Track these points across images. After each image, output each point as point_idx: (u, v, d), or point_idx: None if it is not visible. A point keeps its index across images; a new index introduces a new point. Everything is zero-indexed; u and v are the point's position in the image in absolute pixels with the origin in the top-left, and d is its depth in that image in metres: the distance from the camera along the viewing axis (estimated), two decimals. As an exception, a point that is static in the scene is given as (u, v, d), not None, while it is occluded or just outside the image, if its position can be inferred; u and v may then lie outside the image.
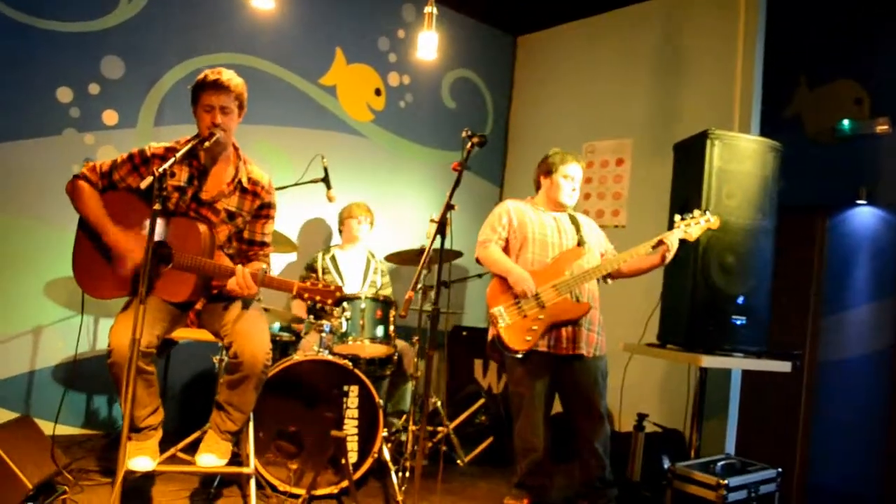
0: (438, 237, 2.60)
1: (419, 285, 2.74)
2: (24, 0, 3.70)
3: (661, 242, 3.32)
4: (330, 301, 2.68)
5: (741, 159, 3.76)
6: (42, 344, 3.83)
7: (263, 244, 3.04)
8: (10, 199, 3.72)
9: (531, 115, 5.84)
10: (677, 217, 3.42)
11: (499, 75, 5.91)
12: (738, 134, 3.92)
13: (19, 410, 3.69)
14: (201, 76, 2.83)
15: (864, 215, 4.86)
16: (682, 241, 3.40)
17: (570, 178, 3.51)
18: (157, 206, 2.21)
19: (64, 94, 3.85)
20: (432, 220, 2.63)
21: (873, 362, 4.72)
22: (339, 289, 2.71)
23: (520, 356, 3.27)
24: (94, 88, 3.93)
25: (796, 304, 5.00)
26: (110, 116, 3.99)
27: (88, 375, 3.91)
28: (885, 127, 4.74)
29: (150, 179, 2.24)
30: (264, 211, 3.01)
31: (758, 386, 4.75)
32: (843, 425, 4.78)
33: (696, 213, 3.41)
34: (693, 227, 3.39)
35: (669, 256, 3.35)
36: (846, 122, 4.89)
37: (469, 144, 2.76)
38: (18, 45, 3.70)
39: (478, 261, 3.49)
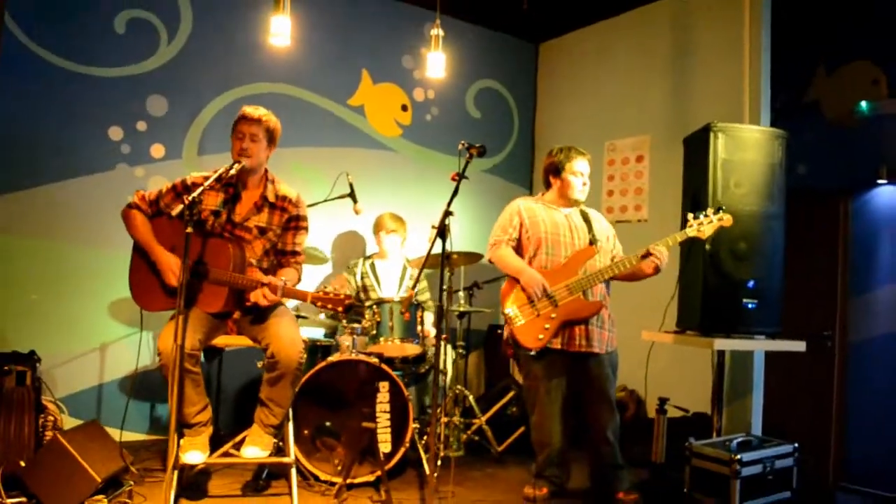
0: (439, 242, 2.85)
1: (444, 287, 2.96)
2: (76, 51, 4.13)
3: (647, 253, 3.38)
4: (340, 308, 2.97)
5: (746, 149, 3.91)
6: (108, 359, 4.24)
7: (295, 253, 3.35)
8: (73, 231, 4.15)
9: (555, 119, 6.05)
10: (690, 216, 3.48)
11: (522, 83, 6.15)
12: (740, 125, 4.07)
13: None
14: (241, 110, 3.18)
15: (886, 195, 4.91)
16: (695, 239, 3.47)
17: (579, 174, 3.62)
18: (188, 230, 2.54)
19: (115, 133, 4.27)
20: (433, 227, 2.88)
21: (904, 340, 4.77)
22: (348, 296, 3.00)
23: (533, 354, 3.43)
24: (141, 126, 4.34)
25: (824, 287, 5.07)
26: (157, 150, 4.39)
27: (151, 386, 4.29)
28: (904, 106, 4.79)
29: (180, 207, 2.58)
30: (293, 223, 3.33)
31: (790, 368, 4.85)
32: (876, 403, 4.83)
33: (710, 211, 3.45)
34: (706, 225, 3.42)
35: (662, 264, 3.41)
36: (864, 103, 4.94)
37: (467, 155, 3.00)
38: (73, 92, 4.13)
39: (490, 262, 3.67)
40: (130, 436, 4.06)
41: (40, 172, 4.06)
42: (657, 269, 3.45)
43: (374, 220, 4.72)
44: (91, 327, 4.20)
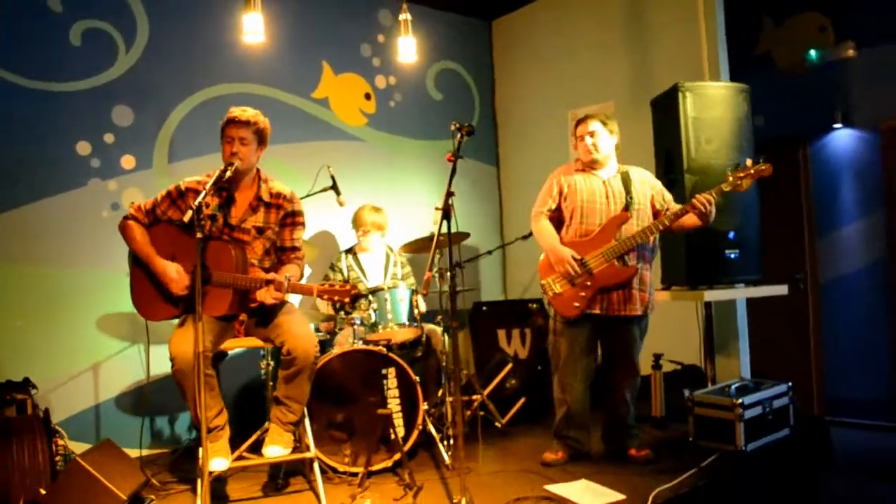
0: (444, 222, 2.89)
1: (435, 268, 3.04)
2: (33, 67, 4.00)
3: (689, 208, 3.37)
4: (347, 299, 3.00)
5: (713, 106, 4.04)
6: (101, 377, 4.17)
7: (294, 248, 3.37)
8: (51, 252, 4.04)
9: (516, 94, 6.11)
10: (728, 171, 3.45)
11: (479, 61, 6.19)
12: (707, 83, 4.20)
13: (90, 441, 4.02)
14: (228, 112, 3.16)
15: (842, 138, 5.13)
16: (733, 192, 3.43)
17: (585, 135, 3.60)
18: (199, 235, 2.53)
19: (83, 148, 4.17)
20: (436, 209, 2.92)
21: (870, 274, 5.00)
22: (354, 287, 3.05)
23: (572, 321, 3.53)
24: (109, 138, 4.25)
25: (791, 231, 5.29)
26: (128, 161, 4.31)
27: (150, 399, 4.23)
28: (851, 51, 5.00)
29: (189, 213, 2.56)
30: (289, 219, 3.34)
31: (768, 313, 5.04)
32: (852, 337, 5.07)
33: (749, 162, 3.40)
34: (745, 179, 3.36)
35: (710, 211, 3.35)
36: (813, 51, 5.14)
37: (459, 136, 3.04)
38: (34, 110, 4.00)
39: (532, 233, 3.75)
40: (134, 452, 4.00)
41: (11, 196, 3.94)
42: (704, 219, 3.41)
43: (353, 215, 4.71)
44: (81, 348, 4.12)
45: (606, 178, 3.62)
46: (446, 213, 2.89)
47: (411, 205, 5.51)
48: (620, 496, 3.04)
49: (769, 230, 4.92)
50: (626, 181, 3.60)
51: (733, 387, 3.81)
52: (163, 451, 4.28)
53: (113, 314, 4.17)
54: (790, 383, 3.89)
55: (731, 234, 3.96)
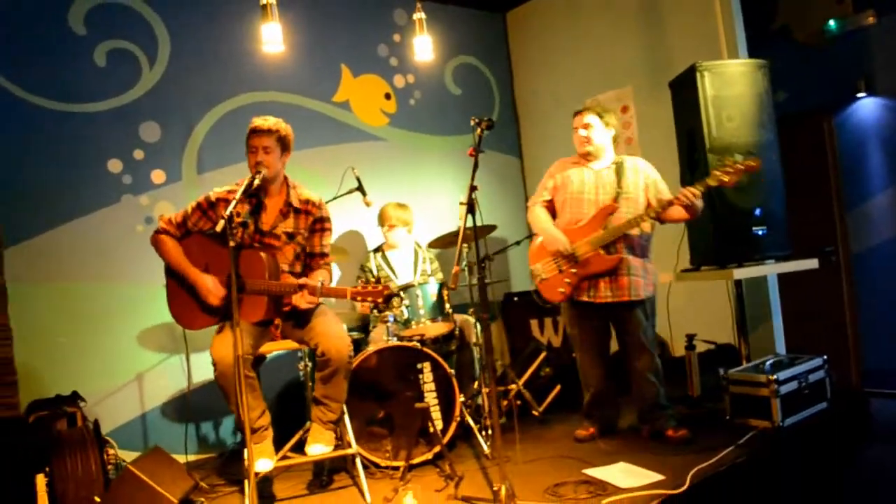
0: (469, 217, 2.94)
1: (464, 261, 3.10)
2: (62, 91, 4.12)
3: (670, 203, 3.45)
4: (380, 299, 3.06)
5: (732, 83, 4.03)
6: (145, 387, 4.29)
7: (323, 255, 3.45)
8: (89, 269, 4.16)
9: (534, 84, 6.13)
10: (716, 164, 3.51)
11: (496, 53, 6.21)
12: (724, 61, 4.19)
13: (138, 449, 4.14)
14: (251, 123, 3.24)
15: (866, 107, 5.07)
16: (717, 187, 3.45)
17: (578, 128, 3.73)
18: (232, 243, 2.61)
19: (114, 166, 4.28)
20: (461, 203, 2.96)
21: (902, 243, 4.94)
22: (386, 287, 3.10)
23: (563, 305, 3.76)
24: (138, 154, 4.36)
25: (820, 205, 5.24)
26: (158, 176, 4.42)
27: (194, 406, 4.35)
28: (871, 19, 4.93)
29: (222, 223, 2.64)
30: (318, 225, 3.41)
31: (802, 288, 5.00)
32: (887, 308, 5.01)
33: (738, 156, 3.49)
34: (730, 175, 3.35)
35: (695, 204, 3.40)
36: (832, 21, 5.08)
37: (479, 130, 3.08)
38: (66, 131, 4.12)
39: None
40: (181, 457, 4.11)
41: (48, 217, 4.06)
42: (691, 212, 3.47)
43: (378, 213, 4.77)
44: (124, 359, 4.24)
45: (599, 170, 3.72)
46: (471, 206, 2.94)
47: (436, 200, 5.56)
48: (660, 476, 3.07)
49: (798, 205, 4.89)
50: (618, 171, 3.68)
51: (768, 363, 3.81)
52: (210, 456, 4.39)
53: (153, 325, 4.29)
54: (825, 357, 3.88)
55: (758, 211, 3.95)
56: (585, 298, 3.63)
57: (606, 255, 3.57)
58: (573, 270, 3.62)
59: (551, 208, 3.84)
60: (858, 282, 5.16)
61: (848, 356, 5.16)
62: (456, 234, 3.99)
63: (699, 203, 3.45)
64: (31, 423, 3.36)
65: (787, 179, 4.15)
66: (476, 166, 2.99)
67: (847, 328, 5.18)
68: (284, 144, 3.27)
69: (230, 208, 2.66)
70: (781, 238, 4.05)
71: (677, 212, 3.53)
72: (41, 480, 3.01)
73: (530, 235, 5.67)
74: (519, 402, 4.36)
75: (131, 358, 4.26)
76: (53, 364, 4.00)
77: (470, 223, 2.98)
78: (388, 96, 5.46)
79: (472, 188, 2.95)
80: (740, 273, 3.95)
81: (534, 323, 5.38)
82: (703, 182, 3.44)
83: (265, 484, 3.58)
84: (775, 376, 3.56)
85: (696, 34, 4.79)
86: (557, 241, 3.63)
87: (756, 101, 4.05)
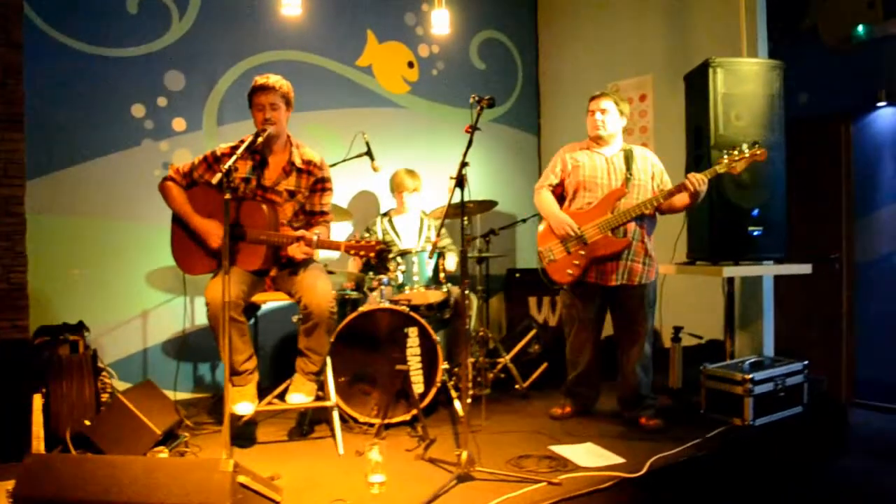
0: (458, 191, 3.03)
1: (465, 234, 3.21)
2: (94, 34, 4.29)
3: (682, 186, 3.52)
4: (372, 254, 3.19)
5: (744, 82, 4.05)
6: (150, 324, 4.49)
7: (323, 213, 3.59)
8: (107, 206, 4.36)
9: (558, 64, 6.15)
10: (724, 151, 3.57)
11: (523, 30, 6.23)
12: (738, 59, 4.18)
13: (137, 382, 4.34)
14: (253, 82, 3.34)
15: (886, 117, 5.02)
16: (726, 174, 3.59)
17: (593, 111, 3.78)
18: (227, 196, 2.74)
19: (138, 110, 4.44)
20: (451, 178, 3.06)
21: (909, 257, 4.93)
22: (379, 242, 3.23)
23: (565, 287, 3.78)
24: (162, 101, 4.51)
25: (830, 210, 5.23)
26: (179, 124, 4.58)
27: (194, 347, 4.56)
28: (900, 28, 4.87)
29: (219, 176, 2.78)
30: (319, 185, 3.55)
31: (802, 292, 5.03)
32: (885, 320, 5.01)
33: (745, 146, 3.52)
34: (738, 161, 3.50)
35: (701, 191, 3.50)
36: (860, 27, 5.02)
37: (478, 108, 3.16)
38: (95, 74, 4.30)
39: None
40: (177, 395, 4.31)
41: (72, 153, 4.26)
42: (693, 198, 3.55)
43: (390, 179, 4.88)
44: (132, 296, 4.45)
45: (610, 156, 3.77)
46: (460, 182, 3.02)
47: (448, 170, 5.61)
48: (620, 460, 3.17)
49: (807, 208, 4.91)
50: (628, 158, 3.75)
51: (747, 363, 3.88)
52: (204, 396, 4.61)
53: (161, 267, 4.47)
54: (806, 362, 3.93)
55: (755, 212, 3.98)
56: (592, 279, 3.70)
57: (615, 239, 3.64)
58: (582, 252, 3.68)
59: (557, 192, 3.90)
60: (859, 291, 5.15)
61: (840, 364, 5.18)
62: (457, 206, 4.09)
63: (704, 190, 3.53)
64: (36, 345, 3.57)
65: (798, 182, 4.17)
66: (470, 143, 3.07)
67: (843, 336, 5.20)
68: (288, 101, 3.40)
69: (229, 163, 2.78)
70: (778, 240, 4.08)
71: (681, 199, 3.61)
72: (38, 400, 3.19)
73: (537, 215, 5.80)
74: (504, 376, 4.49)
75: (138, 295, 4.47)
76: (64, 293, 4.23)
77: (458, 198, 3.06)
78: (410, 65, 5.53)
79: (463, 164, 3.04)
80: (731, 271, 4.01)
81: (532, 301, 5.49)
82: (711, 170, 3.53)
83: (249, 427, 3.76)
84: (751, 376, 3.63)
85: (719, 29, 4.78)
86: (564, 225, 3.70)
87: (767, 101, 4.06)
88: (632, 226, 3.66)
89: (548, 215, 3.82)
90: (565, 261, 3.74)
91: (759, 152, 3.50)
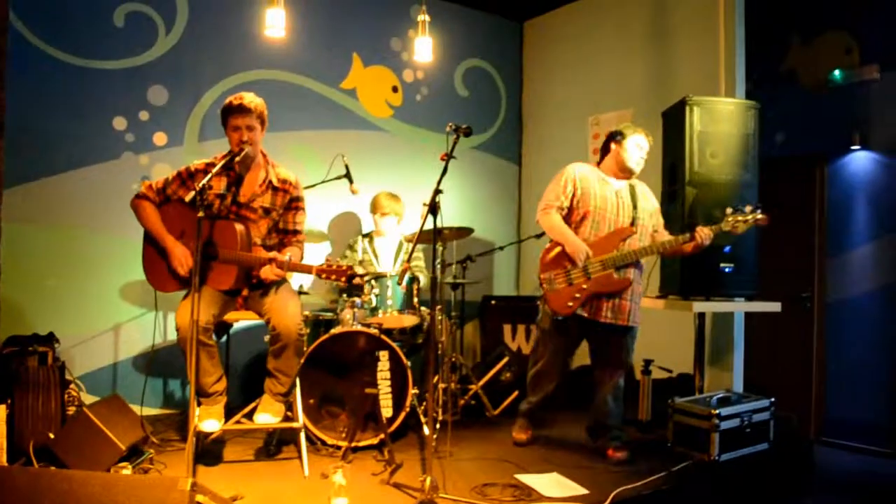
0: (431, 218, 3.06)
1: (437, 261, 3.24)
2: (79, 46, 4.30)
3: (692, 237, 3.57)
4: (343, 279, 3.20)
5: (720, 121, 4.13)
6: (121, 338, 4.47)
7: (296, 232, 3.61)
8: (84, 218, 4.35)
9: (541, 96, 6.24)
10: (729, 210, 3.63)
11: (508, 61, 6.33)
12: (716, 98, 4.27)
13: (105, 396, 4.32)
14: (227, 102, 3.38)
15: (859, 160, 5.13)
16: (727, 233, 3.64)
17: (640, 147, 3.77)
18: (200, 214, 2.75)
19: (119, 123, 4.45)
20: (424, 204, 3.09)
21: (879, 297, 5.00)
22: (350, 268, 3.23)
23: (560, 318, 3.72)
24: (144, 115, 4.53)
25: (803, 250, 5.32)
26: (160, 138, 4.59)
27: (164, 363, 4.53)
28: (875, 74, 5.00)
29: (192, 193, 2.79)
30: (294, 203, 3.58)
31: (772, 329, 5.10)
32: (855, 359, 5.08)
33: (748, 209, 3.60)
34: (741, 223, 3.59)
35: (707, 245, 3.59)
36: (837, 71, 5.15)
37: (455, 136, 3.20)
38: (77, 85, 4.31)
39: (538, 224, 3.84)
40: (146, 410, 4.27)
41: (51, 163, 4.25)
42: (696, 248, 3.61)
43: (370, 200, 4.91)
44: (105, 309, 4.42)
45: (618, 188, 3.77)
46: (433, 208, 3.05)
47: (429, 195, 5.67)
48: (584, 491, 3.18)
49: (780, 247, 4.98)
50: (633, 194, 3.77)
51: (715, 398, 3.91)
52: (173, 412, 4.57)
53: (136, 281, 4.44)
54: (773, 399, 3.96)
55: (727, 248, 4.04)
56: (584, 314, 3.67)
57: (618, 278, 3.64)
58: (584, 287, 3.64)
59: (563, 216, 3.78)
60: (830, 330, 5.23)
61: (810, 402, 5.24)
62: (429, 232, 4.13)
63: (708, 242, 3.60)
64: (3, 355, 3.53)
65: (775, 221, 4.22)
66: (445, 171, 3.11)
67: (813, 374, 5.26)
68: (263, 120, 3.42)
69: (204, 181, 2.80)
70: (749, 277, 4.14)
71: (687, 247, 3.64)
72: (2, 410, 3.16)
73: (515, 243, 5.86)
74: (474, 403, 4.50)
75: (111, 308, 4.45)
76: (37, 304, 4.20)
77: (433, 224, 3.09)
78: (395, 89, 5.59)
79: (437, 191, 3.07)
80: (701, 306, 4.05)
81: (507, 328, 5.51)
82: (717, 226, 3.60)
83: (217, 446, 3.74)
84: (718, 411, 3.66)
85: (699, 68, 4.88)
86: (580, 252, 3.62)
87: (742, 140, 4.14)
88: (632, 266, 3.69)
89: (564, 240, 3.67)
90: (567, 292, 3.67)
91: (760, 217, 3.58)
